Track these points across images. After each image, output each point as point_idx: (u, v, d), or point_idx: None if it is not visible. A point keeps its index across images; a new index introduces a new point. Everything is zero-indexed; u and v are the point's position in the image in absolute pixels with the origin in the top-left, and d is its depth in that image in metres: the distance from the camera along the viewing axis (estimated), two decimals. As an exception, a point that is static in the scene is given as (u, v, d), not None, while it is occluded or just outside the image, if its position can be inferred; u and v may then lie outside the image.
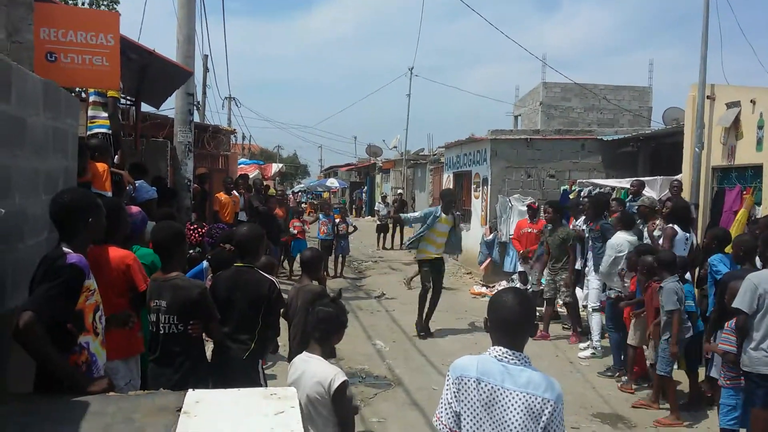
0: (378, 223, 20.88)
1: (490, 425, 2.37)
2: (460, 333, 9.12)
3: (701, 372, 6.25)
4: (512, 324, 2.45)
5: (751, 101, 9.16)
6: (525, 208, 11.27)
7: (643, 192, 9.75)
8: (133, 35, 8.51)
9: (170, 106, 10.19)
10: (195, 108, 20.00)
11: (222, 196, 10.54)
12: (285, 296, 4.45)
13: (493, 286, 12.27)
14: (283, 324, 4.83)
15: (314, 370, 3.19)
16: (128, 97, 8.81)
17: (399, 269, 15.80)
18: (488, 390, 2.37)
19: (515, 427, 2.33)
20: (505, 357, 2.40)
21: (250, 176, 14.61)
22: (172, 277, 3.73)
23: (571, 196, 12.03)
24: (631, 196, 9.78)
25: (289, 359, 4.16)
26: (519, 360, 2.40)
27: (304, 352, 3.34)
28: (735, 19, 28.24)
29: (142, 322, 3.84)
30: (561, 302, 9.01)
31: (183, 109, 9.27)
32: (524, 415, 2.32)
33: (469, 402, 2.42)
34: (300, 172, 70.40)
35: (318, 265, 5.00)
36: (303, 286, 4.68)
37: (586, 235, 8.54)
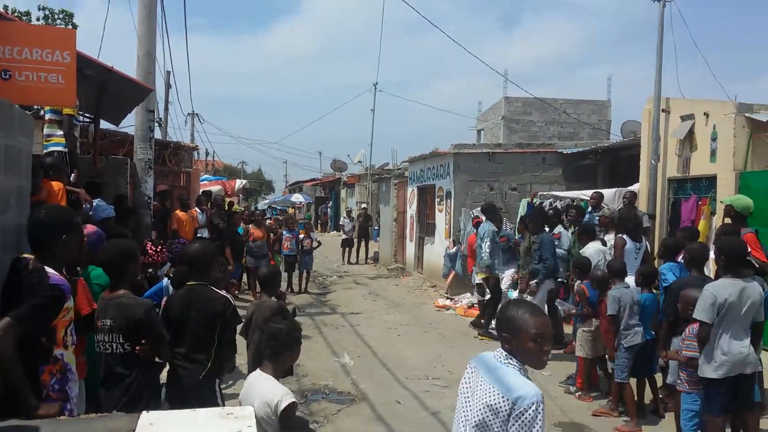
0: (344, 237, 20.88)
1: (464, 409, 2.55)
2: (425, 347, 9.14)
3: (658, 378, 6.38)
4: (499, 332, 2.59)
5: (705, 114, 9.45)
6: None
7: (603, 204, 9.96)
8: (92, 52, 8.41)
9: (130, 123, 10.09)
10: (157, 124, 19.84)
11: (179, 213, 10.41)
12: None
13: (457, 299, 12.36)
14: (242, 342, 4.80)
15: (263, 389, 3.16)
16: (87, 114, 8.68)
17: (364, 284, 15.80)
18: (474, 377, 2.56)
19: (475, 416, 2.45)
20: (501, 356, 2.53)
21: (213, 192, 14.45)
22: (118, 296, 3.63)
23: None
24: (591, 207, 9.98)
25: (249, 378, 4.12)
26: (510, 362, 2.50)
27: (257, 370, 3.31)
28: (689, 34, 29.14)
29: (88, 346, 3.76)
30: None
31: (143, 125, 9.16)
32: (485, 407, 2.42)
33: (462, 386, 2.62)
34: (265, 187, 69.89)
35: (276, 281, 4.97)
36: (261, 303, 4.65)
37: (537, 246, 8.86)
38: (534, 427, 2.34)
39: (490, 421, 2.41)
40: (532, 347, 2.46)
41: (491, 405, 2.40)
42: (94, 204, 5.85)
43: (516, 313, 2.51)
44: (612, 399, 6.33)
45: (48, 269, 2.85)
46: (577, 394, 6.86)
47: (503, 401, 2.39)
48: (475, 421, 2.45)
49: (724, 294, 4.52)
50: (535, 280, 8.54)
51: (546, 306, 8.86)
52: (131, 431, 2.37)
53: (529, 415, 2.35)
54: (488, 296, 9.82)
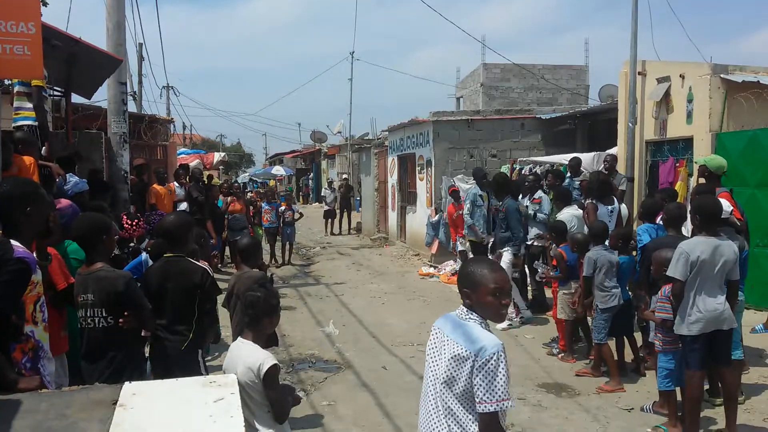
0: (326, 208, 20.83)
1: (432, 368, 2.64)
2: (409, 314, 9.20)
3: (638, 338, 6.49)
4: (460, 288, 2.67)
5: (681, 76, 9.48)
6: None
7: (582, 168, 10.01)
8: (60, 25, 8.18)
9: (103, 97, 9.88)
10: (132, 98, 19.51)
11: (157, 187, 10.29)
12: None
13: (441, 266, 12.42)
14: (227, 314, 4.79)
15: (245, 355, 3.18)
16: (57, 89, 8.48)
17: (347, 254, 15.82)
18: (439, 337, 2.65)
19: (443, 371, 2.54)
20: (462, 313, 2.61)
21: (191, 166, 14.29)
22: (96, 269, 3.61)
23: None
24: (569, 173, 10.01)
25: (234, 348, 4.12)
26: (471, 316, 2.57)
27: (238, 338, 3.32)
28: (665, -4, 29.04)
29: (69, 321, 3.73)
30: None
31: (116, 98, 8.98)
32: (451, 360, 2.51)
33: (428, 348, 2.72)
34: (245, 160, 69.33)
35: (256, 252, 4.95)
36: (243, 273, 4.63)
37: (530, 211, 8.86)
38: (497, 375, 2.41)
39: (457, 374, 2.48)
40: (491, 301, 2.53)
41: (456, 358, 2.49)
42: (67, 178, 5.75)
43: (475, 269, 2.60)
44: (594, 359, 6.44)
45: (13, 242, 2.79)
46: (560, 355, 6.96)
47: (467, 354, 2.46)
48: (443, 378, 2.53)
49: (697, 251, 4.57)
50: (505, 249, 8.50)
51: (527, 270, 8.94)
52: (114, 402, 2.35)
53: (492, 364, 2.42)
54: None
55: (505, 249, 8.48)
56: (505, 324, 8.18)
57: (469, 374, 2.46)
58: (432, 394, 2.61)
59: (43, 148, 6.10)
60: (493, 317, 2.60)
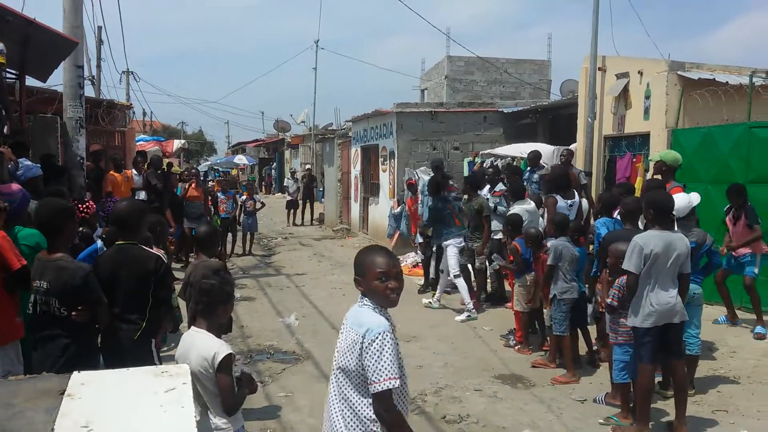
0: (288, 199, 20.67)
1: (335, 357, 2.73)
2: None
3: (592, 331, 6.62)
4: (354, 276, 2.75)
5: (639, 72, 9.66)
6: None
7: (542, 162, 10.13)
8: (16, 6, 7.92)
9: (59, 81, 9.62)
10: (90, 82, 19.03)
11: (114, 174, 10.07)
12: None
13: (402, 258, 12.45)
14: (184, 304, 4.72)
15: (199, 344, 3.14)
16: (11, 71, 8.24)
17: (309, 245, 15.75)
18: (344, 327, 2.73)
19: (342, 355, 2.65)
20: (359, 300, 2.72)
21: (149, 153, 14.01)
22: (56, 258, 3.53)
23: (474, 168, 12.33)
24: (530, 167, 10.13)
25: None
26: (364, 302, 2.68)
27: (191, 327, 3.27)
28: (626, -6, 29.49)
29: (21, 305, 3.63)
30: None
31: (72, 82, 8.75)
32: (348, 344, 2.61)
33: (340, 337, 2.77)
34: (206, 149, 68.33)
35: (214, 241, 4.89)
36: (200, 262, 4.56)
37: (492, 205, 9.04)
38: (383, 355, 2.50)
39: (350, 359, 2.58)
40: (377, 285, 2.61)
41: (350, 343, 2.58)
42: (20, 163, 5.58)
43: (365, 256, 2.69)
44: (550, 351, 6.54)
45: None
46: (516, 347, 7.06)
47: (357, 337, 2.55)
48: (341, 364, 2.63)
49: (650, 245, 4.65)
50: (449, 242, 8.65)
51: (487, 261, 9.01)
52: (62, 392, 2.30)
53: (377, 344, 2.50)
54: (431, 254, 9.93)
55: (449, 242, 8.61)
56: (463, 316, 8.31)
57: (359, 357, 2.54)
58: (333, 383, 2.71)
59: (6, 127, 5.90)
60: (381, 302, 2.64)
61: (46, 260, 3.56)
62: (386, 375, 2.48)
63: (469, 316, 8.30)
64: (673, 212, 5.01)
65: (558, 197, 7.59)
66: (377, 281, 2.61)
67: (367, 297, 2.66)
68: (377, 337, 2.50)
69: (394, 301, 2.66)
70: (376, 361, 2.49)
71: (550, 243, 6.40)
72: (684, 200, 5.59)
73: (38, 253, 3.68)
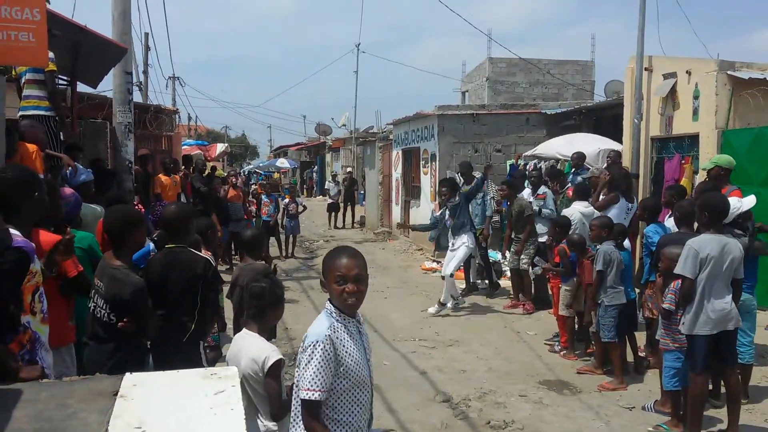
0: (329, 201, 20.79)
1: None
2: (412, 308, 9.19)
3: (641, 337, 6.46)
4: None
5: (687, 72, 9.40)
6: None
7: (586, 164, 9.94)
8: (67, 13, 8.15)
9: (109, 87, 9.86)
10: (137, 88, 19.47)
11: (162, 177, 10.27)
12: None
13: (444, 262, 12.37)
14: (229, 305, 4.77)
15: (249, 347, 3.16)
16: (63, 77, 8.47)
17: (350, 247, 15.78)
18: None
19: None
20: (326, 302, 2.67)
21: (192, 156, 14.27)
22: (115, 266, 3.54)
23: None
24: (573, 169, 9.94)
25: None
26: (326, 306, 2.64)
27: (242, 330, 3.30)
28: (673, -7, 28.89)
29: (77, 309, 3.70)
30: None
31: (121, 88, 8.95)
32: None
33: None
34: (249, 152, 69.31)
35: (260, 244, 4.94)
36: (247, 265, 4.61)
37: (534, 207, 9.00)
38: (309, 364, 2.46)
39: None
40: (334, 288, 2.56)
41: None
42: (78, 169, 5.72)
43: (329, 257, 2.64)
44: (596, 357, 6.41)
45: (12, 230, 2.75)
46: (561, 352, 6.93)
47: (304, 342, 2.55)
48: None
49: (707, 249, 4.51)
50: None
51: (530, 267, 8.88)
52: (114, 393, 2.34)
53: (307, 353, 2.48)
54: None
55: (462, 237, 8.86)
56: (433, 309, 8.78)
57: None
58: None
59: (61, 134, 6.05)
60: (339, 304, 2.59)
61: (106, 264, 3.60)
62: (307, 385, 2.45)
63: (439, 310, 8.69)
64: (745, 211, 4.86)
65: (621, 197, 7.49)
66: (335, 284, 2.56)
67: (330, 300, 2.62)
68: (309, 346, 2.49)
69: (351, 305, 2.60)
70: (303, 369, 2.49)
71: (597, 248, 6.24)
72: (735, 205, 5.40)
73: (106, 252, 3.74)
